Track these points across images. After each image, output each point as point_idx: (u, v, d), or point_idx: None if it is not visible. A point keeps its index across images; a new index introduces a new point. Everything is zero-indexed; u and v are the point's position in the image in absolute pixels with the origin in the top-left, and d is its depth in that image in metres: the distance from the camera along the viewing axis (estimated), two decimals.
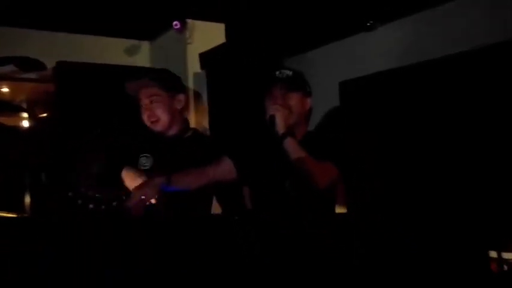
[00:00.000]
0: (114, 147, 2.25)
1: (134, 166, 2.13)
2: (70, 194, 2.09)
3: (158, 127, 2.17)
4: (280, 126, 2.06)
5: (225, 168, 2.14)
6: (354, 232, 2.27)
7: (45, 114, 4.97)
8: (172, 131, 2.21)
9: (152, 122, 2.16)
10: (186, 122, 2.32)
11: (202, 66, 4.03)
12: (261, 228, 2.03)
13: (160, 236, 1.98)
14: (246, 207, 2.23)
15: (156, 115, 2.15)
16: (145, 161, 2.13)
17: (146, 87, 2.15)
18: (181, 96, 2.24)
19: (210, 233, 2.03)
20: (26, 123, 5.77)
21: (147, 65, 4.49)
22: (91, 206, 1.96)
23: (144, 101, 2.16)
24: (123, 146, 2.23)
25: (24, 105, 4.99)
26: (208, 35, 4.06)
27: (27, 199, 3.44)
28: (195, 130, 2.38)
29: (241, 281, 1.91)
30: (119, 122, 3.35)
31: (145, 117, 2.17)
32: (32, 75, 3.99)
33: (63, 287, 1.89)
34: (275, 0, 3.61)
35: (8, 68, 3.80)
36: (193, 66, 4.07)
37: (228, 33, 4.06)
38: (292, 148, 2.03)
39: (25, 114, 5.28)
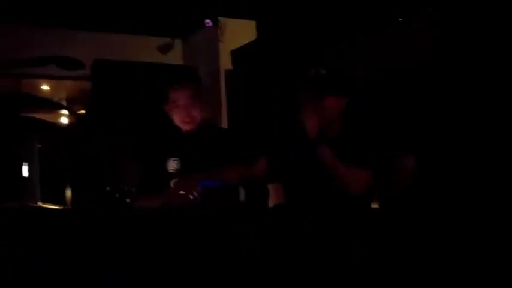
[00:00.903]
0: (142, 151, 2.32)
1: (163, 169, 2.21)
2: (108, 188, 2.21)
3: (192, 126, 2.23)
4: (311, 132, 2.05)
5: (260, 168, 2.17)
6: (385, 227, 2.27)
7: (83, 111, 5.13)
8: (192, 126, 2.25)
9: (187, 122, 2.22)
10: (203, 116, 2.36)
11: (234, 63, 4.09)
12: (292, 225, 2.04)
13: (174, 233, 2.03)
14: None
15: (192, 115, 2.21)
16: (176, 165, 2.20)
17: (180, 91, 2.21)
18: (204, 93, 2.30)
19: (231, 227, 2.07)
20: (65, 120, 5.99)
21: (180, 62, 4.58)
22: (128, 199, 2.06)
23: (183, 102, 2.21)
24: (152, 149, 2.29)
25: (64, 103, 5.17)
26: (239, 32, 4.12)
27: (69, 193, 3.57)
28: (214, 125, 2.44)
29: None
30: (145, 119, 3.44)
31: (179, 117, 2.22)
32: (71, 73, 4.15)
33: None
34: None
35: (49, 67, 3.97)
36: (225, 63, 4.13)
37: (259, 30, 4.10)
38: (325, 156, 2.01)
39: (65, 111, 5.48)
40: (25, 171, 2.63)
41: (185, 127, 2.26)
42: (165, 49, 4.45)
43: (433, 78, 2.71)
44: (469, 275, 1.63)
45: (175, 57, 4.55)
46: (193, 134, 2.27)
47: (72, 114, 4.63)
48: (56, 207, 2.27)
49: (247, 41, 4.01)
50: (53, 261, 1.86)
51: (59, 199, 2.73)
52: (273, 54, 3.83)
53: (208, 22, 3.99)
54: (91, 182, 3.24)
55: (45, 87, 5.06)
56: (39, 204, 2.44)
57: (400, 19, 3.71)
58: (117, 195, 2.18)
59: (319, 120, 2.06)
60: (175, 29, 4.42)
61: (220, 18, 4.11)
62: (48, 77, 4.49)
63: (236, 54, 4.05)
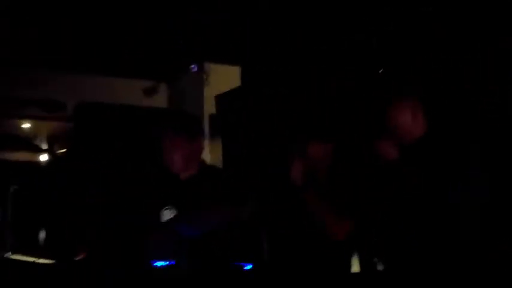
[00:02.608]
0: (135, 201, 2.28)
1: (157, 218, 2.17)
2: None
3: (174, 169, 2.22)
4: (296, 179, 2.07)
5: (246, 211, 2.15)
6: None
7: (63, 151, 5.07)
8: (190, 173, 2.24)
9: (170, 165, 2.21)
10: (203, 163, 2.35)
11: (218, 108, 4.10)
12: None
13: None
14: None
15: (174, 159, 2.20)
16: (169, 214, 2.17)
17: (168, 131, 2.22)
18: (200, 140, 2.28)
19: None
20: (45, 158, 5.91)
21: (165, 105, 4.58)
22: None
23: (165, 145, 2.21)
24: (145, 199, 2.26)
25: (45, 141, 5.12)
26: (224, 77, 4.15)
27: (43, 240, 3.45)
28: (212, 167, 2.41)
29: None
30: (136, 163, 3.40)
31: (165, 160, 2.23)
32: (53, 115, 4.11)
33: None
34: (290, 46, 3.69)
35: (31, 107, 3.94)
36: (210, 107, 4.14)
37: (243, 76, 4.15)
38: (311, 201, 2.04)
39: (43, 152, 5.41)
40: None
41: (170, 169, 2.23)
42: (150, 92, 4.45)
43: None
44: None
45: (160, 100, 4.55)
46: (190, 180, 2.22)
47: (51, 156, 4.56)
48: (29, 259, 2.17)
49: (232, 87, 4.04)
50: None
51: (32, 249, 2.61)
52: (257, 101, 3.86)
53: (194, 67, 4.03)
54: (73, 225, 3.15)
55: (26, 126, 5.00)
56: (9, 255, 2.32)
57: (380, 71, 3.80)
58: None
59: (304, 168, 2.09)
60: (161, 73, 4.45)
61: (206, 63, 4.14)
62: (29, 117, 4.43)
63: (221, 99, 4.07)
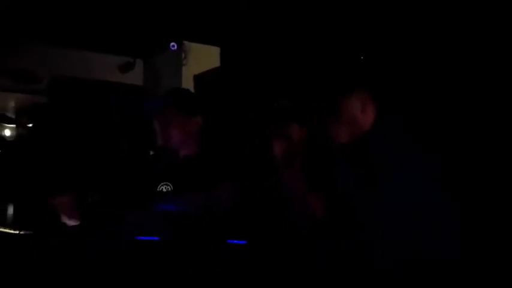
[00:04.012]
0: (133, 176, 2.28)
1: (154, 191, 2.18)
2: None
3: (171, 146, 2.21)
4: (277, 158, 2.13)
5: (224, 194, 2.18)
6: None
7: (31, 125, 4.94)
8: (188, 151, 2.23)
9: (165, 142, 2.20)
10: (203, 142, 2.34)
11: (196, 88, 4.09)
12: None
13: None
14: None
15: (170, 135, 2.18)
16: (165, 189, 2.17)
17: (167, 107, 2.19)
18: (198, 119, 2.27)
19: None
20: (8, 132, 5.72)
21: (140, 83, 4.52)
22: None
23: (161, 121, 2.19)
24: (142, 175, 2.25)
25: (12, 115, 4.95)
26: (203, 57, 4.13)
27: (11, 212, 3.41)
28: (212, 147, 2.42)
29: None
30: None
31: (159, 137, 2.20)
32: (25, 87, 3.99)
33: None
34: (272, 28, 3.71)
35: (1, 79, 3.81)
36: (187, 87, 4.11)
37: (222, 57, 4.14)
38: (289, 181, 2.09)
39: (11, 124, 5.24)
40: None
41: (165, 146, 2.23)
42: (125, 69, 4.38)
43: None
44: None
45: (135, 77, 4.49)
46: (189, 159, 2.23)
47: (22, 128, 4.43)
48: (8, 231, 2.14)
49: (210, 67, 4.04)
50: None
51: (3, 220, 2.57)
52: (236, 82, 3.87)
53: (173, 45, 3.98)
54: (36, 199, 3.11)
55: None
56: None
57: (362, 57, 3.88)
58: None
59: (286, 147, 2.14)
60: (138, 49, 4.37)
61: (185, 42, 4.11)
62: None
63: (199, 79, 4.06)
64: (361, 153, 1.81)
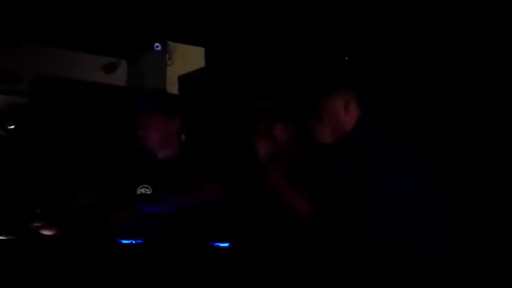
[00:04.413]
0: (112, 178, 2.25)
1: (133, 194, 2.15)
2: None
3: (150, 148, 2.20)
4: (262, 157, 2.12)
5: (210, 193, 2.17)
6: None
7: (12, 126, 4.86)
8: (167, 153, 2.22)
9: (144, 143, 2.19)
10: (182, 143, 2.33)
11: (180, 89, 4.07)
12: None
13: None
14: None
15: (149, 137, 2.17)
16: (145, 191, 2.15)
17: (146, 109, 2.18)
18: (177, 119, 2.26)
19: None
20: None
21: (123, 83, 4.48)
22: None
23: (141, 122, 2.18)
24: (121, 177, 2.23)
25: None
26: (188, 58, 4.11)
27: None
28: (191, 148, 2.40)
29: None
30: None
31: (140, 137, 2.20)
32: (5, 87, 3.93)
33: None
34: (256, 28, 3.71)
35: None
36: (172, 87, 4.09)
37: (207, 57, 4.12)
38: (273, 181, 2.08)
39: None
40: None
41: (145, 147, 2.20)
42: (109, 69, 4.33)
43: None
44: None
45: (119, 78, 4.44)
46: (167, 161, 2.21)
47: (2, 129, 4.35)
48: None
49: (195, 68, 4.01)
50: None
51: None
52: (220, 82, 3.86)
53: (157, 46, 3.96)
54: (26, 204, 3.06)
55: None
56: None
57: (346, 58, 3.89)
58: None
59: (269, 148, 2.13)
60: (121, 50, 4.33)
61: (170, 43, 4.08)
62: None
63: (183, 80, 4.03)
64: (351, 153, 1.81)
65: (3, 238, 2.09)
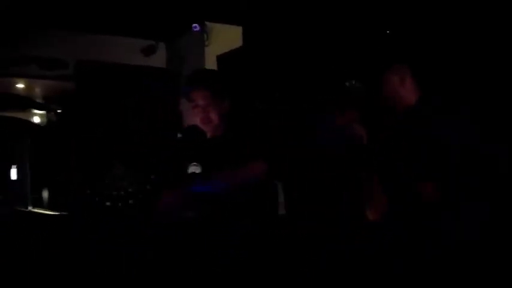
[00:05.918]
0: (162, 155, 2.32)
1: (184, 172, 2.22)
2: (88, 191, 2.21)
3: (209, 129, 2.26)
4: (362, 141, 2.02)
5: (258, 169, 2.21)
6: None
7: (60, 111, 5.03)
8: (218, 132, 2.29)
9: (205, 124, 2.25)
10: (228, 125, 2.38)
11: (219, 68, 4.10)
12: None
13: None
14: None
15: (210, 118, 2.24)
16: (195, 169, 2.21)
17: (201, 91, 2.24)
18: (227, 102, 2.33)
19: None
20: (37, 119, 5.84)
21: (163, 66, 4.55)
22: (107, 203, 2.07)
23: (199, 104, 2.24)
24: (171, 154, 2.29)
25: (41, 101, 5.06)
26: (226, 38, 4.13)
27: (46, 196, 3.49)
28: (239, 127, 2.45)
29: None
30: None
31: (197, 119, 2.26)
32: (51, 73, 4.07)
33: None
34: (295, 6, 3.68)
35: (28, 66, 3.88)
36: (211, 68, 4.13)
37: (245, 37, 4.13)
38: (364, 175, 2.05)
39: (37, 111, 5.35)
40: (13, 174, 2.55)
41: (204, 128, 2.27)
42: (148, 52, 4.41)
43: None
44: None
45: (158, 60, 4.52)
46: (218, 139, 2.27)
47: (53, 114, 4.53)
48: (50, 213, 2.22)
49: (233, 47, 4.03)
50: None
51: (51, 204, 2.66)
52: (259, 61, 3.86)
53: (195, 26, 3.99)
54: (75, 185, 3.19)
55: (20, 86, 4.92)
56: (30, 209, 2.37)
57: (387, 31, 3.82)
58: (97, 198, 2.17)
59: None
60: (160, 32, 4.39)
61: (207, 23, 4.10)
62: (26, 76, 4.37)
63: (222, 59, 4.06)
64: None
65: (56, 213, 2.18)
